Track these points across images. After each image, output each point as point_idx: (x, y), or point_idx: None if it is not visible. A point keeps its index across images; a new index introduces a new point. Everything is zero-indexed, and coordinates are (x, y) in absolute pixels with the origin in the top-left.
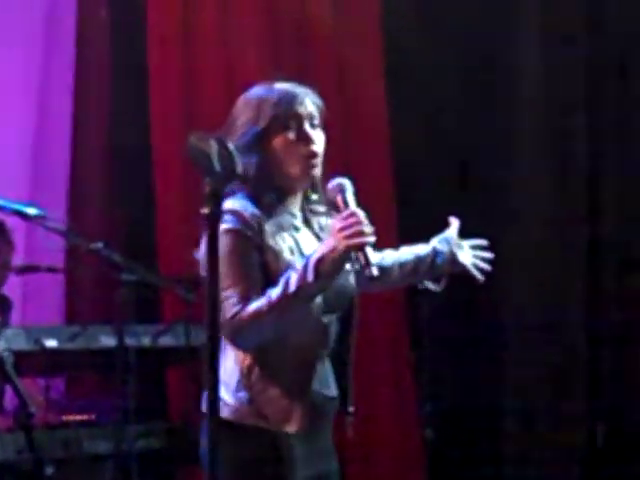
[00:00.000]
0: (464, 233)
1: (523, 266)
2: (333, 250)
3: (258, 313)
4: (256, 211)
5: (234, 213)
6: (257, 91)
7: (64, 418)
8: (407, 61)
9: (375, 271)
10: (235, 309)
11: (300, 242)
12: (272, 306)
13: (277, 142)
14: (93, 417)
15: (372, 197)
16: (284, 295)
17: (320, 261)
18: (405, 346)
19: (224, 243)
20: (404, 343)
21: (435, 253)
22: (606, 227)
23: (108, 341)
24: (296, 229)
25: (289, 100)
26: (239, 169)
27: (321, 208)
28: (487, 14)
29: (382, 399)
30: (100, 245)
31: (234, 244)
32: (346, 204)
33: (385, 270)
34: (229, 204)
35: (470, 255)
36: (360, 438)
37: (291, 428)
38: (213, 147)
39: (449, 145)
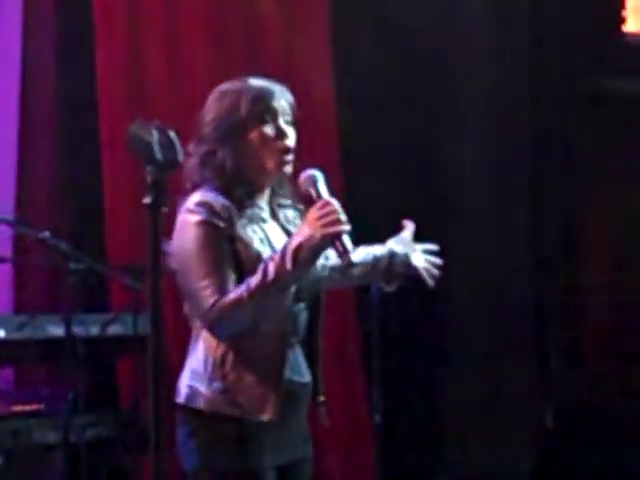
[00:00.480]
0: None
1: (469, 259)
2: (310, 238)
3: (238, 301)
4: (226, 202)
5: (204, 204)
6: (233, 85)
7: (13, 408)
8: (355, 57)
9: (353, 258)
10: (213, 298)
11: (269, 234)
12: (252, 294)
13: (254, 136)
14: (42, 407)
15: None
16: (263, 283)
17: (298, 249)
18: (354, 332)
19: (196, 235)
20: (353, 330)
21: (391, 255)
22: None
23: (56, 330)
24: (264, 221)
25: (266, 95)
26: (180, 158)
27: (286, 201)
28: (436, 13)
29: (331, 386)
30: (47, 234)
31: (206, 235)
32: (319, 194)
33: (345, 270)
34: (198, 196)
35: (422, 259)
36: (310, 424)
37: (266, 416)
38: (154, 135)
39: (397, 138)
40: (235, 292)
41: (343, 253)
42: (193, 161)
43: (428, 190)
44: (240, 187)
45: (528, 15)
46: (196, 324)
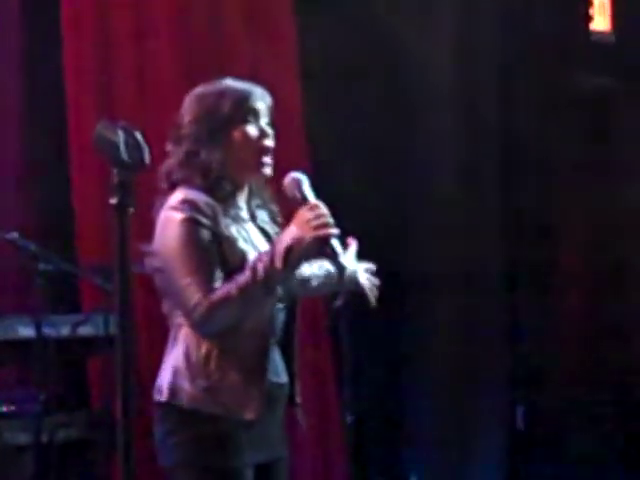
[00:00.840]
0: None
1: (439, 243)
2: (301, 240)
3: (227, 298)
4: (210, 201)
5: (188, 202)
6: (211, 87)
7: None
8: (322, 64)
9: (344, 261)
10: (198, 295)
11: (250, 234)
12: (241, 292)
13: (237, 135)
14: (13, 408)
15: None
16: (253, 281)
17: (288, 250)
18: (324, 332)
19: (180, 232)
20: (322, 329)
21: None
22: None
23: (26, 332)
24: (244, 221)
25: (249, 96)
26: (147, 158)
27: (258, 201)
28: (403, 12)
29: (302, 385)
30: (15, 235)
31: (189, 232)
32: (305, 197)
33: (305, 281)
34: (181, 194)
35: (365, 278)
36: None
37: (249, 415)
38: (120, 136)
39: (365, 142)
40: (223, 290)
41: (333, 256)
42: (172, 161)
43: (397, 189)
44: (224, 186)
45: (497, 13)
46: (176, 322)
